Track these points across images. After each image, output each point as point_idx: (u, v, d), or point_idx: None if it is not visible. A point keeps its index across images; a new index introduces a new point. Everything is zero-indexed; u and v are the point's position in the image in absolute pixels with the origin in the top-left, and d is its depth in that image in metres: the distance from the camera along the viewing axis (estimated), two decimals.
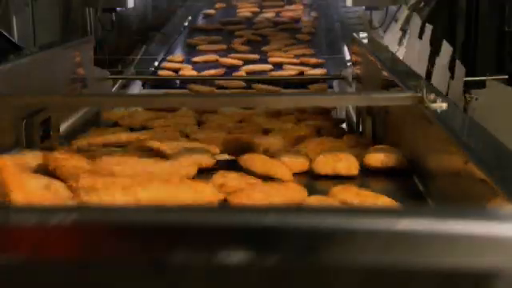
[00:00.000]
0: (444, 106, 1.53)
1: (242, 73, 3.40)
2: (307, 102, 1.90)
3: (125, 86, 3.42)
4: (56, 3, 3.74)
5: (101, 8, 3.58)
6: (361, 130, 2.32)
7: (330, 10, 5.28)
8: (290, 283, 0.73)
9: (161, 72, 3.53)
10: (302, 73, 3.39)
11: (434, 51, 3.05)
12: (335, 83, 3.32)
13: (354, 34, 3.01)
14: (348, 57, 3.62)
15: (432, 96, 1.57)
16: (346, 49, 3.93)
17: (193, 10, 5.38)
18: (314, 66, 3.53)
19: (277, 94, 2.51)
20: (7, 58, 2.12)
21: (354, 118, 2.44)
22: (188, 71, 3.48)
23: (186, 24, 4.95)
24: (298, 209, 0.80)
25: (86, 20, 3.88)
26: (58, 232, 0.66)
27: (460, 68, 2.74)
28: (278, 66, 3.52)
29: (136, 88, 3.43)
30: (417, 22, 3.35)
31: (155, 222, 0.71)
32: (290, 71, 3.42)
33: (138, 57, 3.98)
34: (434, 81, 2.83)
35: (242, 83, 3.22)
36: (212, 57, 3.72)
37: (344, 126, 2.47)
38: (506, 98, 2.38)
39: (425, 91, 1.59)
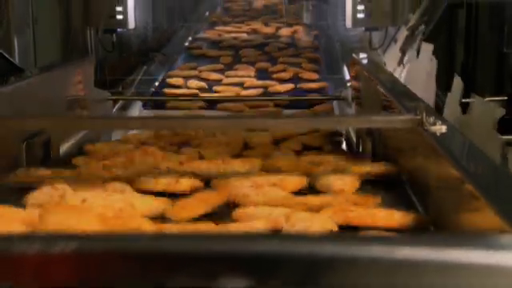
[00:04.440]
0: (443, 128, 1.53)
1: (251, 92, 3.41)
2: (307, 124, 1.91)
3: (125, 107, 3.43)
4: (57, 24, 3.77)
5: (102, 29, 3.60)
6: (360, 149, 2.32)
7: (329, 31, 5.31)
8: None
9: (167, 90, 3.55)
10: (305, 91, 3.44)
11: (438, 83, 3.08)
12: (335, 103, 3.33)
13: (354, 55, 3.02)
14: (347, 77, 3.64)
15: (431, 119, 1.58)
16: (345, 69, 3.96)
17: (193, 30, 5.42)
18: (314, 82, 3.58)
19: (278, 117, 2.51)
20: (8, 80, 2.13)
21: (354, 138, 2.44)
22: (195, 83, 3.53)
23: (187, 44, 4.99)
24: (298, 236, 0.80)
25: (87, 41, 3.90)
26: (58, 260, 0.67)
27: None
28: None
29: (136, 108, 3.44)
30: (427, 49, 3.34)
31: (155, 250, 0.71)
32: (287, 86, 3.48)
33: (139, 77, 3.99)
34: (446, 115, 2.84)
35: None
36: (216, 76, 3.70)
37: (344, 146, 2.48)
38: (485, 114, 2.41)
39: (424, 114, 1.60)
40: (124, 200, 1.54)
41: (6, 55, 2.50)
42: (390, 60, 3.93)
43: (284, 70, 3.83)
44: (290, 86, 3.54)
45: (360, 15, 3.74)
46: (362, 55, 3.14)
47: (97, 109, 2.93)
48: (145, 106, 3.44)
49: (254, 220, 1.45)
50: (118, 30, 3.82)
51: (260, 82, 3.58)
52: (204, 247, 0.72)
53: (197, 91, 3.44)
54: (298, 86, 3.57)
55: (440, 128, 1.55)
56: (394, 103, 1.95)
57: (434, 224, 1.43)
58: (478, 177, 1.21)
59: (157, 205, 1.55)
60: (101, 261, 0.69)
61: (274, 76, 3.72)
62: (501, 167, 1.26)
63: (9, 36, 3.05)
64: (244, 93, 3.44)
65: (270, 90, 3.47)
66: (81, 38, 3.88)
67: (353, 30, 4.45)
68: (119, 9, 3.57)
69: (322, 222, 1.40)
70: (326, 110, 3.14)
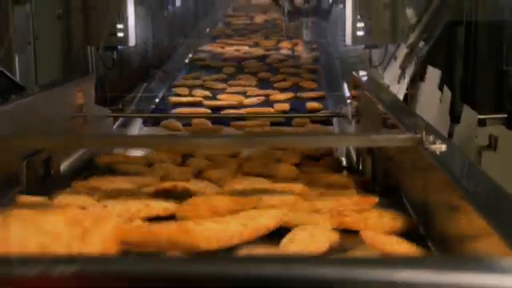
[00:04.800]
0: (443, 147, 1.54)
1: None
2: (307, 142, 1.91)
3: (126, 124, 3.43)
4: (58, 42, 3.78)
5: (102, 47, 3.61)
6: (360, 167, 2.32)
7: (329, 48, 5.33)
8: None
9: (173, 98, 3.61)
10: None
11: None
12: (335, 120, 3.34)
13: (354, 73, 3.03)
14: (347, 93, 3.66)
15: (431, 137, 1.58)
16: (345, 86, 3.97)
17: (193, 47, 5.44)
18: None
19: (278, 135, 2.52)
20: (9, 98, 2.14)
21: (354, 156, 2.45)
22: (200, 92, 3.70)
23: (191, 56, 5.01)
24: (300, 259, 0.80)
25: (88, 58, 3.91)
26: (58, 283, 0.67)
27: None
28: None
29: (137, 125, 3.44)
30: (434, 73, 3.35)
31: (156, 273, 0.71)
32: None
33: (139, 94, 4.00)
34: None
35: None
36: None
37: (344, 163, 2.49)
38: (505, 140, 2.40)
39: (424, 132, 1.60)
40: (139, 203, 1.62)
41: (7, 73, 2.51)
42: (390, 77, 3.95)
43: (284, 80, 4.06)
44: (289, 94, 3.75)
45: (360, 33, 3.75)
46: (362, 73, 3.15)
47: (97, 126, 2.93)
48: (145, 122, 3.45)
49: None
50: (119, 47, 3.83)
51: (261, 91, 3.79)
52: (201, 270, 0.72)
53: (201, 99, 3.62)
54: (298, 94, 3.76)
55: (440, 147, 1.55)
56: (394, 121, 1.95)
57: (435, 242, 1.43)
58: (478, 197, 1.21)
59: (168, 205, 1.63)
60: (101, 284, 0.69)
61: (275, 85, 3.95)
62: (501, 187, 1.25)
63: (10, 54, 3.06)
64: (246, 101, 3.60)
65: (271, 98, 3.67)
66: (81, 55, 3.89)
67: (353, 48, 4.47)
68: (120, 26, 3.58)
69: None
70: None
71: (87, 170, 2.39)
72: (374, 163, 2.11)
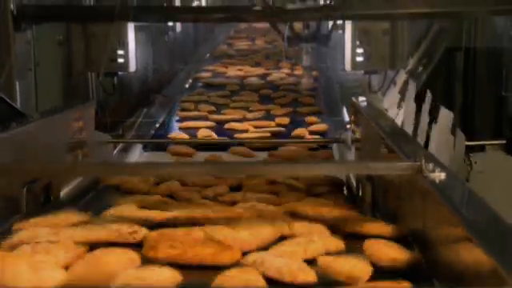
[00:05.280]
0: (443, 175, 1.54)
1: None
2: (307, 170, 1.91)
3: (126, 149, 3.43)
4: (59, 67, 3.80)
5: (103, 72, 3.63)
6: (360, 193, 2.32)
7: (329, 72, 5.36)
8: None
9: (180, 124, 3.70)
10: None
11: (433, 118, 3.09)
12: (334, 146, 3.34)
13: (353, 99, 3.03)
14: (347, 118, 3.66)
15: (431, 165, 1.58)
16: (345, 110, 3.98)
17: (193, 72, 5.46)
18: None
19: (277, 163, 2.53)
20: (10, 125, 2.15)
21: (354, 182, 2.45)
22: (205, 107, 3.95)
23: (187, 86, 5.03)
24: None
25: (88, 83, 3.92)
26: None
27: (460, 136, 2.77)
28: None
29: (137, 151, 3.44)
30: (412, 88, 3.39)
31: None
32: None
33: (139, 120, 4.01)
34: (434, 145, 2.85)
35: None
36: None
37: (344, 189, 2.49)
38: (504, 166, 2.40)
39: (423, 161, 1.60)
40: None
41: (8, 100, 2.52)
42: (389, 102, 3.96)
43: (284, 96, 4.34)
44: (289, 109, 3.98)
45: (359, 58, 3.77)
46: (362, 98, 3.16)
47: (97, 152, 2.94)
48: (145, 148, 3.46)
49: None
50: (119, 72, 3.84)
51: (263, 106, 4.04)
52: None
53: (206, 113, 3.86)
54: (297, 109, 4.00)
55: (439, 175, 1.55)
56: (394, 149, 1.95)
57: (434, 274, 1.43)
58: (477, 226, 1.21)
59: None
60: None
61: (276, 101, 4.21)
62: (501, 217, 1.25)
63: (11, 80, 3.07)
64: (249, 115, 3.84)
65: (272, 113, 3.91)
66: (82, 81, 3.90)
67: (352, 73, 4.49)
68: (120, 52, 3.60)
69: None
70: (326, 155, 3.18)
71: (88, 193, 2.40)
72: (373, 190, 2.12)
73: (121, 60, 3.64)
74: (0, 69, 2.98)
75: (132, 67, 3.73)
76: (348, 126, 3.39)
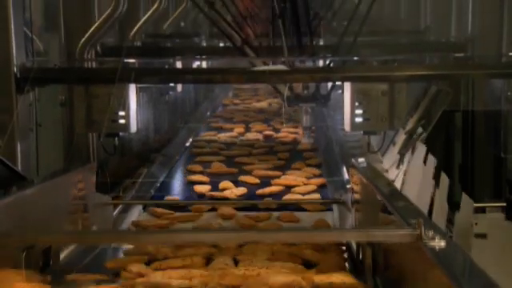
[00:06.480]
0: (442, 244, 1.54)
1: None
2: (307, 237, 1.92)
3: (126, 210, 3.44)
4: (60, 128, 3.82)
5: (104, 133, 3.64)
6: (361, 257, 2.32)
7: (329, 132, 5.39)
8: None
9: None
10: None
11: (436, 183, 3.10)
12: (335, 207, 3.34)
13: (353, 160, 3.05)
14: (346, 176, 3.68)
15: (430, 233, 1.58)
16: (344, 169, 3.99)
17: (193, 131, 5.50)
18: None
19: (278, 230, 2.54)
20: (10, 190, 2.15)
21: (354, 246, 2.45)
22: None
23: (188, 145, 5.06)
24: None
25: (89, 144, 3.94)
26: None
27: (466, 201, 2.77)
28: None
29: (136, 212, 3.45)
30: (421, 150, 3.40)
31: None
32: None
33: (140, 180, 4.02)
34: (435, 213, 2.86)
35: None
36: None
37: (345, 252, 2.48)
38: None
39: (423, 228, 1.60)
40: None
41: (9, 163, 2.53)
42: (388, 163, 3.97)
43: (286, 137, 5.08)
44: (289, 146, 4.75)
45: (358, 119, 3.78)
46: (361, 160, 3.18)
47: (98, 213, 2.95)
48: (145, 208, 3.47)
49: None
50: (120, 133, 3.86)
51: (266, 144, 4.85)
52: None
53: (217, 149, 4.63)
54: (297, 148, 4.74)
55: (439, 243, 1.55)
56: (393, 214, 1.96)
57: None
58: None
59: None
60: None
61: (278, 140, 5.00)
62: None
63: (12, 141, 3.08)
64: (255, 152, 4.60)
65: (275, 148, 4.70)
66: (83, 141, 3.92)
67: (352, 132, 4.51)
68: (122, 113, 3.61)
69: None
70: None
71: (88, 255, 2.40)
72: (374, 255, 2.11)
73: (122, 121, 3.65)
74: (1, 131, 3.00)
75: (133, 128, 3.74)
76: (348, 186, 3.40)
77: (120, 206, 3.40)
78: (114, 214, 3.29)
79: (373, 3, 3.75)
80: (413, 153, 3.55)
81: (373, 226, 2.31)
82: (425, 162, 3.37)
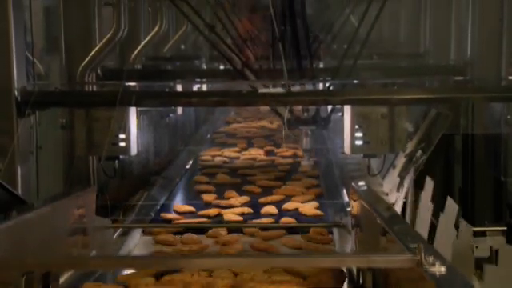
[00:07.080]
0: (443, 269, 1.54)
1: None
2: (308, 262, 1.91)
3: (126, 233, 3.43)
4: (60, 151, 3.82)
5: (104, 156, 3.64)
6: (361, 281, 2.31)
7: (329, 154, 5.39)
8: None
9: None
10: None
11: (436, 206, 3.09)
12: (335, 230, 3.34)
13: (353, 184, 3.04)
14: (347, 198, 3.68)
15: (431, 259, 1.58)
16: (344, 192, 3.99)
17: (193, 154, 5.51)
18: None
19: (278, 255, 2.53)
20: (10, 214, 2.15)
21: (355, 270, 2.44)
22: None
23: (188, 167, 5.06)
24: None
25: (89, 167, 3.94)
26: None
27: (466, 228, 2.77)
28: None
29: (137, 235, 3.44)
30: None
31: None
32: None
33: (140, 203, 4.02)
34: (439, 238, 2.85)
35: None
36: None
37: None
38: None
39: (423, 254, 1.60)
40: None
41: (9, 187, 2.53)
42: (388, 186, 3.97)
43: (286, 151, 5.31)
44: (289, 160, 5.04)
45: (358, 142, 3.78)
46: (361, 183, 3.17)
47: (98, 237, 2.94)
48: (145, 231, 3.47)
49: None
50: (120, 156, 3.86)
51: (268, 157, 5.13)
52: None
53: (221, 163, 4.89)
54: (296, 160, 5.00)
55: (439, 269, 1.55)
56: (393, 238, 1.96)
57: None
58: None
59: None
60: None
61: (278, 155, 5.25)
62: None
63: (13, 164, 3.09)
64: (257, 165, 4.86)
65: (276, 162, 4.96)
66: (83, 165, 3.92)
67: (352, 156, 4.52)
68: (122, 136, 3.62)
69: None
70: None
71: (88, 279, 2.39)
72: (374, 280, 2.11)
73: (122, 144, 3.66)
74: (2, 154, 3.01)
75: (133, 151, 3.75)
76: (348, 209, 3.39)
77: (120, 230, 3.39)
78: (114, 237, 3.28)
79: (372, 26, 3.77)
80: (419, 187, 3.54)
81: (373, 250, 2.30)
82: (421, 186, 3.37)
